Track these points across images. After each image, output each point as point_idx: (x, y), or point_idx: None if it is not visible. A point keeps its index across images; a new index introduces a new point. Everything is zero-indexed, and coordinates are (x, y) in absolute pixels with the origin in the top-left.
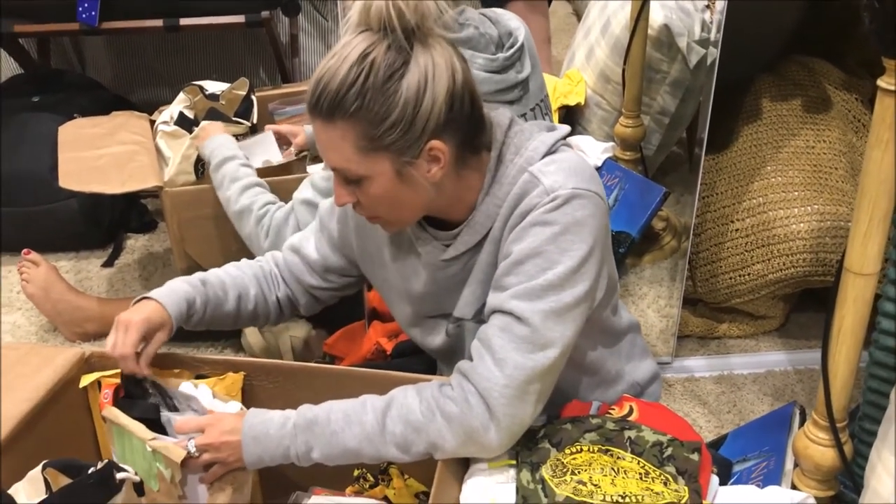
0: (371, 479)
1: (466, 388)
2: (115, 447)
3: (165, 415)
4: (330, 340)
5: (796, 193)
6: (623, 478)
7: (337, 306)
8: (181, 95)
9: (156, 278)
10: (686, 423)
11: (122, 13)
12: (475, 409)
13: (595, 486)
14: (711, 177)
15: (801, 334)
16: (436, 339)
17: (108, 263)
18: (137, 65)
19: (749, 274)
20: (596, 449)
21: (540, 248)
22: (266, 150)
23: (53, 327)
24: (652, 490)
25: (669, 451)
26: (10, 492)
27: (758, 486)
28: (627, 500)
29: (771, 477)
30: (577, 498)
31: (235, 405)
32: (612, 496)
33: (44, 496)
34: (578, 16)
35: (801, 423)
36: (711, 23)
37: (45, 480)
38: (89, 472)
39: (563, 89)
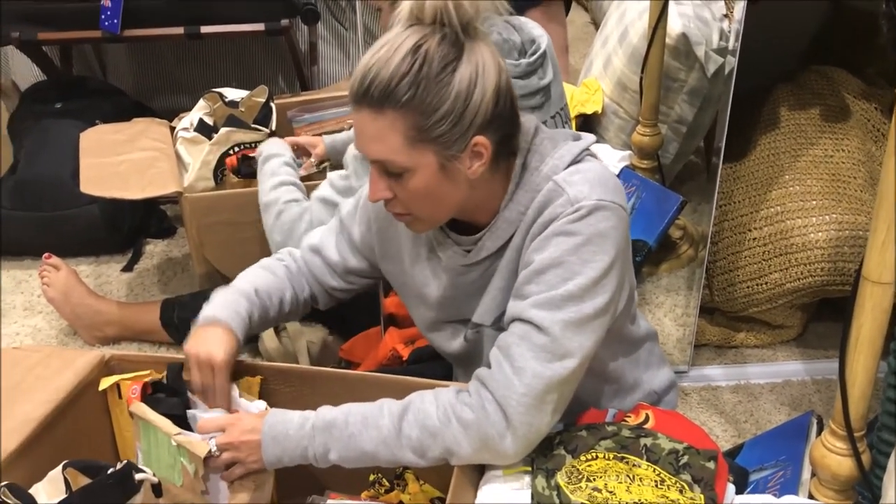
0: (387, 483)
1: (484, 395)
2: (140, 442)
3: (191, 412)
4: (346, 346)
5: (814, 202)
6: (638, 485)
7: (354, 312)
8: (201, 102)
9: (174, 283)
10: (702, 431)
11: (144, 21)
12: (492, 417)
13: (610, 493)
14: (729, 186)
15: (819, 344)
16: (454, 344)
17: (127, 268)
18: (158, 72)
19: (767, 283)
20: (611, 456)
21: (562, 259)
22: None
23: (73, 331)
24: (667, 498)
25: (685, 458)
26: (30, 491)
27: (774, 495)
28: None
29: (788, 486)
30: None
31: (261, 404)
32: (627, 503)
33: (63, 496)
34: (596, 25)
35: (819, 433)
36: (729, 31)
37: (65, 480)
38: (108, 472)
39: (580, 98)
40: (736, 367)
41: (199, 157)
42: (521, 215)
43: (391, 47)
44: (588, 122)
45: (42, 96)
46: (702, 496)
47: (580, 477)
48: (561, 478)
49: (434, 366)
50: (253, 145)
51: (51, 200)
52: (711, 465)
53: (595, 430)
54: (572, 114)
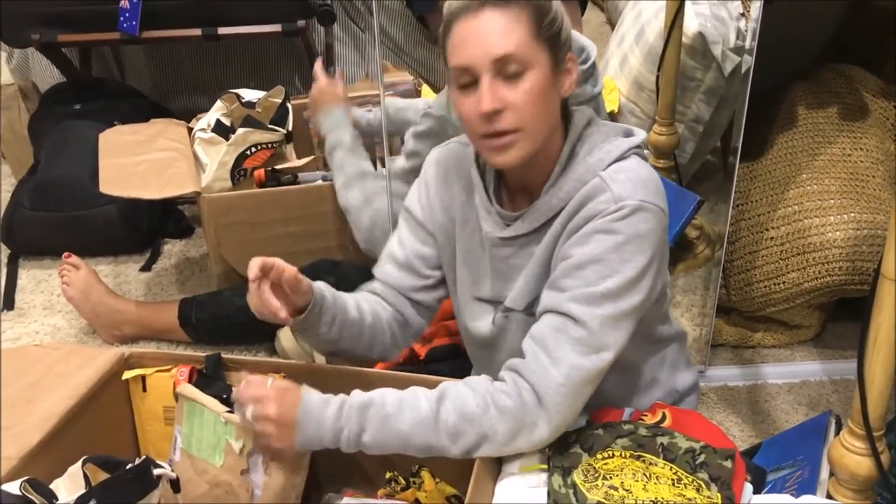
0: (402, 481)
1: (520, 384)
2: (181, 426)
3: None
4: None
5: (832, 201)
6: (655, 483)
7: None
8: (218, 103)
9: (192, 283)
10: (720, 430)
11: (162, 22)
12: (529, 405)
13: (627, 491)
14: (746, 185)
15: (837, 344)
16: (481, 326)
17: (145, 268)
18: (176, 73)
19: (784, 283)
20: (628, 454)
21: (602, 256)
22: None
23: (92, 330)
24: (684, 496)
25: (702, 457)
26: (51, 487)
27: (792, 495)
28: None
29: (805, 486)
30: (608, 502)
31: None
32: (643, 501)
33: (83, 491)
34: (612, 24)
35: (837, 433)
36: (746, 31)
37: (85, 476)
38: (127, 467)
39: None
40: (753, 367)
41: (216, 158)
42: (562, 202)
43: None
44: None
45: (61, 98)
46: (719, 495)
47: (597, 475)
48: (577, 476)
49: (450, 365)
50: (270, 146)
51: (70, 201)
52: (729, 464)
53: (612, 429)
54: None
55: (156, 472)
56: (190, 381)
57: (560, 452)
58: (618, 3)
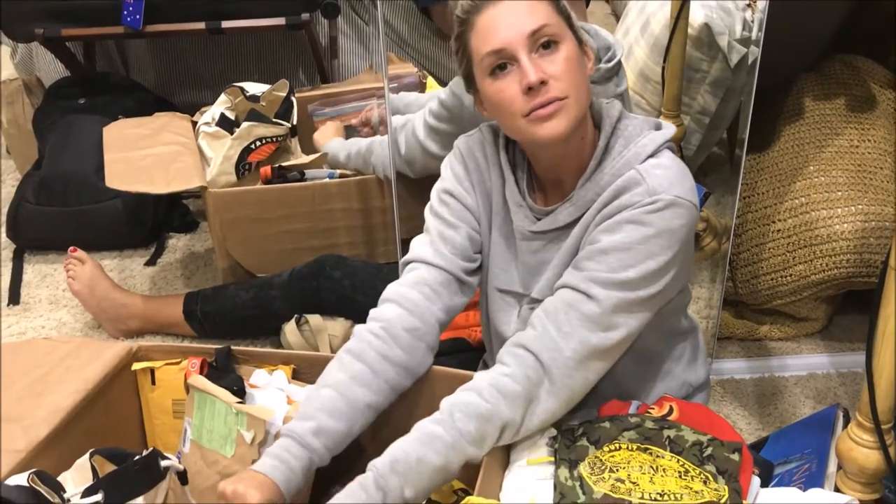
0: None
1: (525, 360)
2: (192, 417)
3: (249, 391)
4: None
5: (840, 193)
6: (662, 476)
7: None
8: (222, 97)
9: (197, 277)
10: (727, 423)
11: (166, 16)
12: (534, 381)
13: (633, 483)
14: (752, 177)
15: (844, 336)
16: (505, 319)
17: (150, 262)
18: (180, 67)
19: (791, 275)
20: (635, 447)
21: (629, 245)
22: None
23: (98, 324)
24: (691, 489)
25: (709, 450)
26: (59, 479)
27: (800, 488)
28: (666, 498)
29: (813, 479)
30: (615, 495)
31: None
32: (650, 494)
33: (91, 483)
34: (617, 16)
35: (845, 426)
36: (753, 21)
37: (93, 468)
38: (135, 459)
39: None
40: (760, 359)
41: (220, 152)
42: (596, 195)
43: None
44: None
45: (66, 92)
46: (726, 488)
47: (603, 468)
48: (584, 468)
49: (457, 359)
50: (275, 140)
51: (75, 195)
52: (736, 456)
53: (618, 422)
54: None
55: (163, 463)
56: (201, 373)
57: (567, 445)
58: None
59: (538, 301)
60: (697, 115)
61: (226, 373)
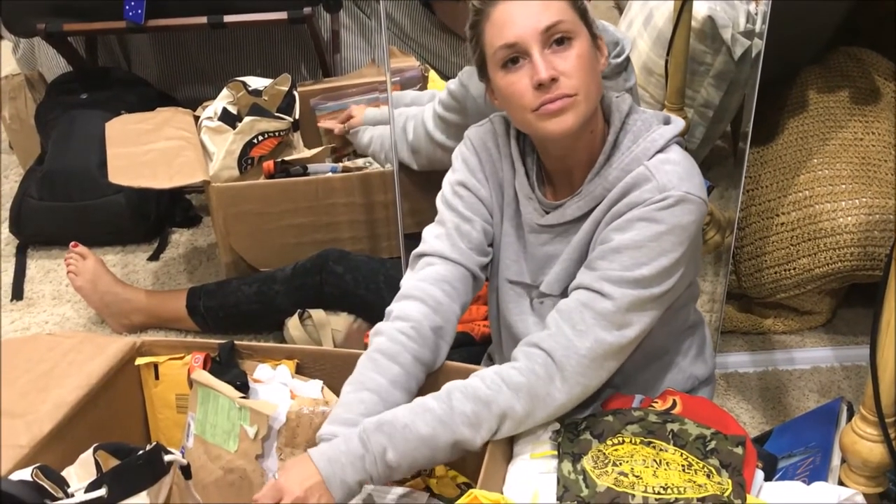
0: None
1: (535, 357)
2: (195, 412)
3: (252, 386)
4: (372, 332)
5: (844, 186)
6: (665, 469)
7: (378, 298)
8: (225, 91)
9: (200, 271)
10: (730, 417)
11: (168, 11)
12: (542, 377)
13: (637, 477)
14: (756, 170)
15: (848, 330)
16: (516, 310)
17: (153, 257)
18: (182, 61)
19: (795, 268)
20: (638, 441)
21: (641, 243)
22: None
23: (101, 319)
24: (694, 482)
25: (713, 444)
26: (63, 474)
27: (804, 482)
28: (669, 491)
29: (817, 473)
30: (618, 489)
31: (317, 383)
32: (653, 487)
33: (94, 478)
34: (620, 9)
35: (849, 419)
36: (756, 14)
37: (96, 462)
38: (138, 454)
39: None
40: (764, 353)
41: (223, 147)
42: (605, 191)
43: None
44: None
45: (68, 87)
46: (729, 481)
47: (606, 461)
48: (587, 462)
49: (462, 353)
50: (277, 134)
51: (78, 190)
52: (739, 450)
53: (621, 416)
54: None
55: (167, 458)
56: (204, 368)
57: (570, 439)
58: None
59: (546, 295)
60: (701, 108)
61: (229, 368)
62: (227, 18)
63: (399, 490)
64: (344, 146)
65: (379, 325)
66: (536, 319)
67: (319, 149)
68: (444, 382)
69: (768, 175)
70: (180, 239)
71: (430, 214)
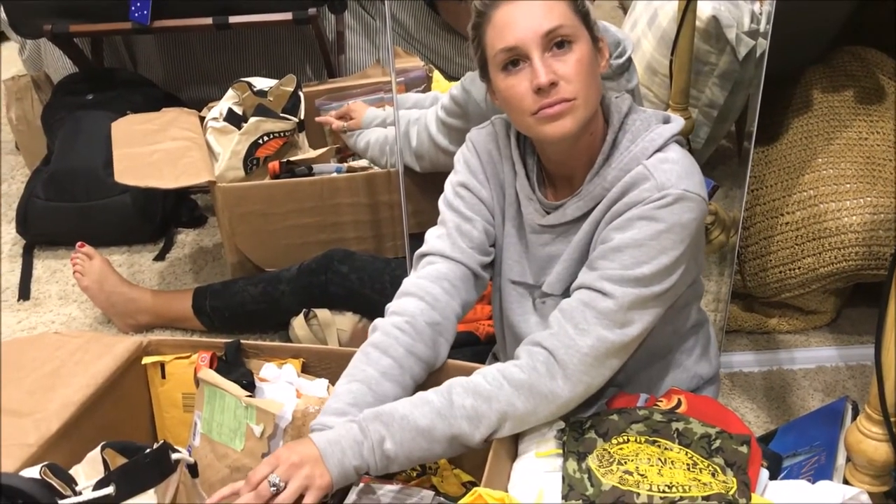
0: (419, 467)
1: (537, 355)
2: (201, 411)
3: (258, 385)
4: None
5: (848, 186)
6: (670, 468)
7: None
8: (230, 92)
9: (206, 272)
10: (735, 416)
11: (173, 12)
12: (543, 375)
13: (641, 475)
14: (761, 170)
15: (853, 329)
16: (519, 311)
17: (159, 257)
18: (187, 62)
19: (799, 268)
20: (643, 440)
21: (642, 242)
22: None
23: (107, 319)
24: (699, 481)
25: (718, 443)
26: (70, 472)
27: (809, 481)
28: (674, 490)
29: (822, 472)
30: (623, 487)
31: (323, 382)
32: (658, 486)
33: (102, 476)
34: (624, 9)
35: (854, 418)
36: (761, 14)
37: (104, 461)
38: (145, 452)
39: None
40: (768, 352)
41: (228, 147)
42: (605, 191)
43: None
44: None
45: (74, 88)
46: (734, 480)
47: (611, 460)
48: (592, 461)
49: (466, 352)
50: (282, 134)
51: (84, 191)
52: (744, 449)
53: (626, 415)
54: None
55: (174, 456)
56: (211, 367)
57: (575, 438)
58: None
59: (549, 295)
60: (705, 108)
61: (235, 367)
62: (233, 19)
63: (404, 488)
64: (349, 146)
65: (376, 321)
66: (539, 319)
67: (324, 149)
68: (446, 380)
69: (773, 174)
70: (186, 239)
71: (432, 215)
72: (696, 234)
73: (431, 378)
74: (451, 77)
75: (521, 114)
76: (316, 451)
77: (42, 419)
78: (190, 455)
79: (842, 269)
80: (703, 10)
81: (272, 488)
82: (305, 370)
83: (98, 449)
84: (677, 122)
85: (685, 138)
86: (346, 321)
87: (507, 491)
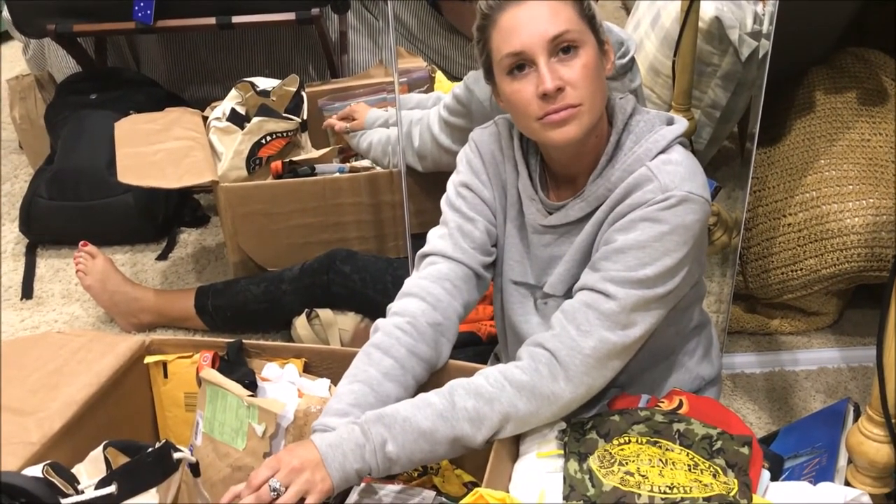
0: (419, 468)
1: (539, 356)
2: (203, 410)
3: (260, 385)
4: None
5: (851, 187)
6: (671, 469)
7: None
8: (233, 92)
9: (208, 271)
10: (737, 417)
11: (176, 12)
12: (545, 377)
13: (643, 476)
14: (763, 171)
15: (855, 331)
16: (520, 311)
17: (162, 257)
18: (190, 62)
19: (802, 269)
20: (644, 440)
21: (645, 243)
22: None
23: (110, 318)
24: (700, 482)
25: (719, 444)
26: (73, 471)
27: (810, 482)
28: (675, 491)
29: (823, 473)
30: (624, 488)
31: (325, 382)
32: (659, 487)
33: (104, 475)
34: (627, 9)
35: (855, 420)
36: (764, 14)
37: (106, 460)
38: (147, 451)
39: None
40: (770, 354)
41: (231, 147)
42: (608, 192)
43: None
44: None
45: (77, 88)
46: (735, 481)
47: (612, 461)
48: (593, 461)
49: (468, 352)
50: (285, 134)
51: (87, 190)
52: (746, 450)
53: (628, 415)
54: None
55: (176, 456)
56: (213, 367)
57: (576, 438)
58: None
59: (550, 295)
60: (708, 109)
61: (237, 366)
62: (236, 19)
63: (405, 488)
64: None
65: (377, 322)
66: (540, 320)
67: (327, 149)
68: (448, 381)
69: (775, 176)
70: (189, 239)
71: (434, 215)
72: (700, 236)
73: (433, 378)
74: (453, 77)
75: (527, 119)
76: (317, 454)
77: (45, 418)
78: (192, 454)
79: (844, 270)
80: (706, 11)
81: (273, 493)
82: (307, 370)
83: (100, 448)
84: (681, 124)
85: (688, 139)
86: (348, 321)
87: (508, 491)
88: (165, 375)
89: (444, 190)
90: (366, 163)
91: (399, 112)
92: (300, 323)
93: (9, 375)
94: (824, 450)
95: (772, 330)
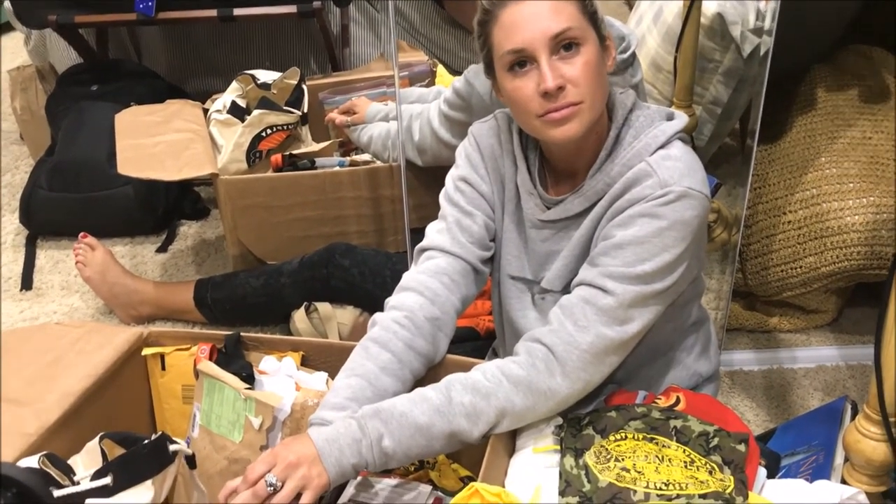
0: (416, 462)
1: (536, 351)
2: (200, 403)
3: (258, 378)
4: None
5: (851, 185)
6: (667, 465)
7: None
8: (234, 84)
9: (208, 264)
10: (734, 414)
11: (178, 4)
12: (542, 372)
13: (639, 472)
14: (764, 168)
15: (854, 329)
16: (518, 306)
17: (162, 249)
18: (192, 54)
19: (801, 267)
20: (641, 437)
21: (644, 239)
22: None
23: (109, 310)
24: (696, 478)
25: (716, 441)
26: (69, 462)
27: (807, 480)
28: (671, 487)
29: (820, 471)
30: (620, 484)
31: (322, 375)
32: (655, 483)
33: (100, 466)
34: (630, 5)
35: (853, 418)
36: (766, 11)
37: (102, 451)
38: (144, 443)
39: None
40: (769, 351)
41: (231, 140)
42: (607, 186)
43: None
44: None
45: (78, 79)
46: (731, 478)
47: (609, 457)
48: (590, 457)
49: (467, 347)
50: (285, 127)
51: (87, 182)
52: (742, 447)
53: (625, 411)
54: None
55: (172, 448)
56: (210, 359)
57: (573, 434)
58: None
59: (548, 291)
60: (709, 106)
61: (235, 359)
62: (237, 12)
63: (402, 482)
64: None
65: (375, 316)
66: (538, 315)
67: (327, 143)
68: (446, 376)
69: (776, 173)
70: (188, 231)
71: (434, 210)
72: (699, 232)
73: (431, 373)
74: (455, 72)
75: (527, 116)
76: (313, 449)
77: (42, 409)
78: (188, 446)
79: (843, 268)
80: (708, 7)
81: (269, 488)
82: (305, 363)
83: (97, 439)
84: (681, 119)
85: (689, 135)
86: (346, 315)
87: (504, 486)
88: (163, 367)
89: (443, 184)
90: (366, 157)
91: (399, 106)
92: (299, 316)
93: (7, 366)
94: (821, 448)
95: (770, 327)
